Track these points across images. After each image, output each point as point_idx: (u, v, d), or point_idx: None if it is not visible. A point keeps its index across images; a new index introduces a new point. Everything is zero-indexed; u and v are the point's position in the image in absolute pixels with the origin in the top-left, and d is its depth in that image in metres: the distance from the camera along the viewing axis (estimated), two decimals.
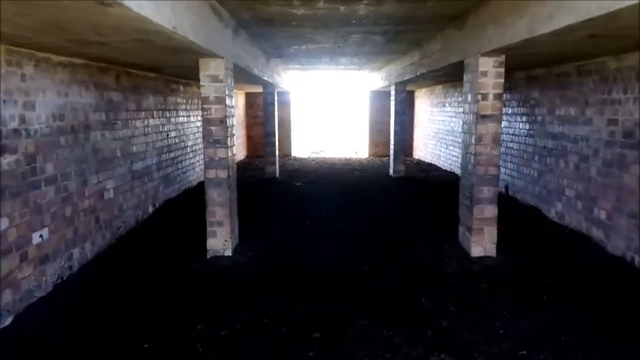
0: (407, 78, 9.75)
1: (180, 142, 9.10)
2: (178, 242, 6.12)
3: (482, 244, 5.50)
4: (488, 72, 5.27)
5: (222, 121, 5.40)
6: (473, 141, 5.43)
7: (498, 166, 5.46)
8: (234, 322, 3.96)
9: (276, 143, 11.92)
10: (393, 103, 11.74)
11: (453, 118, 12.20)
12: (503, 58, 5.25)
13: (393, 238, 6.34)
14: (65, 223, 4.96)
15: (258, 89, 11.95)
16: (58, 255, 4.81)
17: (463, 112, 5.81)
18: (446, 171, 12.66)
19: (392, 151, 11.88)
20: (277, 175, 11.95)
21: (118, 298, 4.45)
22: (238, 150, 15.38)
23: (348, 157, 17.26)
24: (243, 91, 16.10)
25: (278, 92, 14.81)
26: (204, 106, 5.38)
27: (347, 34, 7.06)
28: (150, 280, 4.88)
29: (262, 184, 10.77)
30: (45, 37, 3.60)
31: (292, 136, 17.56)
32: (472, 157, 5.46)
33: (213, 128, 5.42)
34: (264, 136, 12.05)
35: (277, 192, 9.77)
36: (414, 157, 16.29)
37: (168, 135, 8.40)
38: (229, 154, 5.56)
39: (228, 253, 5.58)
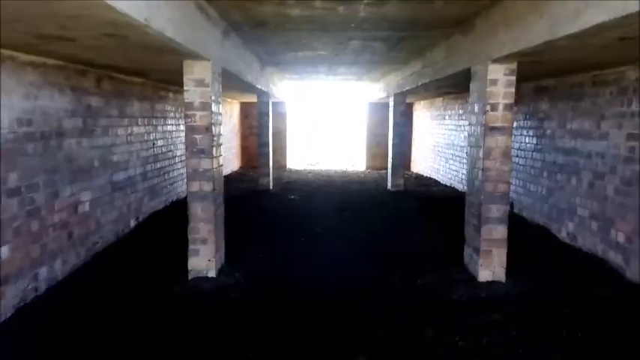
0: (407, 88, 9.34)
1: (168, 151, 8.62)
2: (160, 260, 5.62)
3: (490, 267, 5.03)
4: (499, 80, 4.84)
5: (208, 129, 4.95)
6: (481, 155, 4.98)
7: (509, 183, 5.01)
8: None
9: (271, 154, 11.46)
10: (391, 115, 11.32)
11: (454, 132, 11.79)
12: (515, 65, 4.82)
13: (394, 259, 5.86)
14: (31, 240, 4.46)
15: (254, 99, 11.53)
16: (22, 275, 4.31)
17: (469, 124, 5.37)
18: (446, 186, 12.22)
19: (390, 165, 11.43)
20: (271, 187, 11.48)
21: (83, 326, 3.94)
22: (232, 160, 14.94)
23: (344, 169, 16.81)
24: (238, 100, 15.70)
25: (274, 102, 14.43)
26: (188, 113, 4.92)
27: (346, 39, 6.64)
28: (122, 305, 4.37)
29: (255, 197, 10.28)
30: None
31: (288, 148, 17.12)
32: (480, 172, 5.01)
33: (197, 137, 4.95)
34: (258, 146, 11.58)
35: (270, 206, 9.28)
36: (413, 170, 15.86)
37: (154, 144, 7.93)
38: (215, 165, 5.10)
39: (212, 274, 5.08)
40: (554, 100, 6.89)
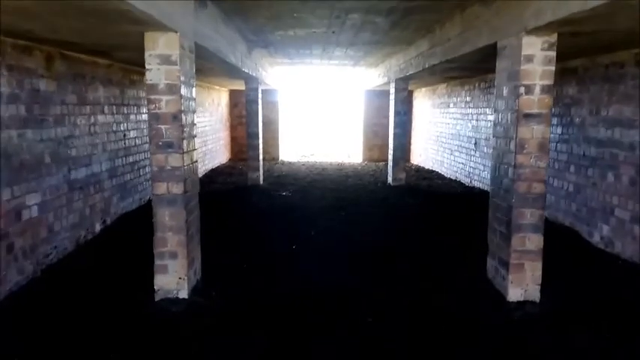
0: (411, 73, 8.40)
1: (142, 143, 7.64)
2: (125, 273, 4.71)
3: (522, 284, 4.14)
4: (535, 57, 3.92)
5: (176, 118, 4.00)
6: (512, 148, 4.07)
7: (545, 182, 4.10)
8: None
9: (260, 146, 10.49)
10: (392, 103, 10.37)
11: (460, 121, 10.86)
12: (554, 38, 3.90)
13: (403, 271, 4.96)
14: None
15: (243, 86, 10.56)
16: None
17: (495, 110, 4.46)
18: (450, 179, 11.31)
19: (391, 157, 10.50)
20: (261, 181, 10.54)
21: None
22: (220, 152, 13.98)
23: (340, 161, 15.88)
24: (227, 88, 14.69)
25: (265, 90, 13.45)
26: (151, 97, 3.97)
27: (344, 12, 5.69)
28: (67, 336, 3.45)
29: (243, 193, 9.34)
30: None
31: (280, 139, 16.16)
32: (510, 169, 4.11)
33: (163, 127, 4.00)
34: (246, 137, 10.61)
35: (259, 203, 8.34)
36: (412, 162, 14.95)
37: (125, 135, 6.96)
38: (186, 162, 4.15)
39: (184, 294, 4.16)
40: (584, 84, 5.97)
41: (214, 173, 12.29)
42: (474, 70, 8.29)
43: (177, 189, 4.07)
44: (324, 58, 10.35)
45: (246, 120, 10.71)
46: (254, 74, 8.98)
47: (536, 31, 3.78)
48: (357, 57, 10.11)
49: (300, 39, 7.64)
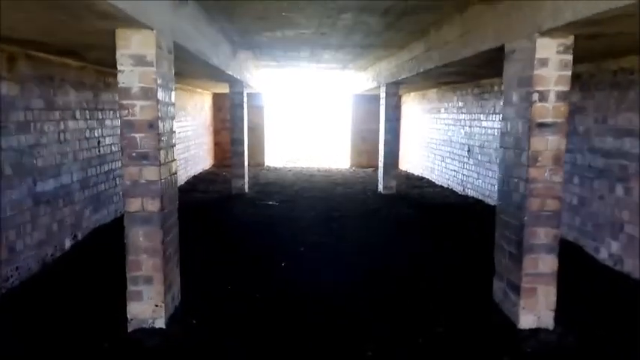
0: (403, 77, 8.05)
1: (119, 150, 7.12)
2: (96, 296, 4.23)
3: (534, 310, 3.78)
4: (550, 60, 3.57)
5: (153, 126, 3.55)
6: (523, 160, 3.71)
7: (560, 199, 3.75)
8: None
9: (245, 152, 10.02)
10: (383, 108, 10.00)
11: (452, 127, 10.55)
12: (571, 40, 3.56)
13: (399, 294, 4.56)
14: None
15: (227, 89, 10.09)
16: None
17: (503, 119, 4.10)
18: (442, 187, 10.98)
19: (381, 164, 10.13)
20: (246, 189, 10.07)
21: None
22: (203, 158, 13.49)
23: (327, 167, 15.48)
24: (210, 91, 14.20)
25: (250, 94, 13.01)
26: (124, 102, 3.52)
27: (336, 11, 5.30)
28: None
29: (227, 203, 8.87)
30: None
31: (266, 144, 15.70)
32: (521, 184, 3.74)
33: (137, 136, 3.56)
34: (230, 143, 10.13)
35: (244, 215, 7.88)
36: (401, 168, 14.60)
37: (100, 142, 6.46)
38: (164, 175, 3.70)
39: (160, 323, 3.71)
40: (589, 91, 5.66)
41: (197, 180, 11.78)
42: (470, 75, 7.96)
43: (152, 206, 3.62)
44: (312, 61, 9.95)
45: (230, 125, 10.22)
46: (239, 77, 8.54)
47: (551, 32, 3.43)
48: (347, 60, 9.74)
49: (287, 40, 7.24)
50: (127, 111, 3.53)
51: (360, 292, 4.55)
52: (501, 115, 4.19)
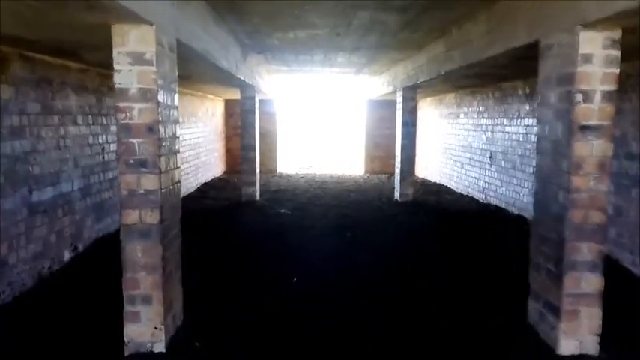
0: (421, 80, 7.67)
1: None
2: (93, 314, 3.91)
3: (577, 334, 3.37)
4: (594, 56, 3.18)
5: (152, 130, 3.23)
6: (564, 167, 3.31)
7: (606, 211, 3.34)
8: None
9: (257, 159, 9.70)
10: (399, 113, 9.63)
11: (472, 132, 10.12)
12: (619, 33, 3.18)
13: (425, 313, 4.16)
14: None
15: (239, 95, 9.79)
16: None
17: (539, 122, 3.70)
18: (461, 195, 10.54)
19: (398, 170, 9.74)
20: (257, 197, 9.73)
21: None
22: (215, 165, 13.20)
23: (341, 174, 15.09)
24: (221, 97, 13.94)
25: (262, 100, 12.69)
26: (120, 105, 3.21)
27: (352, 10, 4.97)
28: None
29: (237, 212, 8.53)
30: None
31: (278, 151, 15.38)
32: (561, 193, 3.34)
33: (135, 141, 3.24)
34: (241, 149, 9.81)
35: (254, 224, 7.53)
36: (417, 175, 14.16)
37: (104, 149, 6.18)
38: (164, 185, 3.38)
39: (160, 347, 3.36)
40: (626, 92, 5.23)
41: (207, 187, 11.49)
42: (492, 77, 7.57)
43: (151, 218, 3.29)
44: (326, 65, 9.64)
45: (241, 131, 9.92)
46: (250, 82, 8.24)
47: (596, 24, 3.05)
48: (361, 64, 9.40)
49: (300, 43, 6.92)
50: (124, 114, 3.22)
51: (379, 311, 4.16)
52: (536, 118, 3.80)
